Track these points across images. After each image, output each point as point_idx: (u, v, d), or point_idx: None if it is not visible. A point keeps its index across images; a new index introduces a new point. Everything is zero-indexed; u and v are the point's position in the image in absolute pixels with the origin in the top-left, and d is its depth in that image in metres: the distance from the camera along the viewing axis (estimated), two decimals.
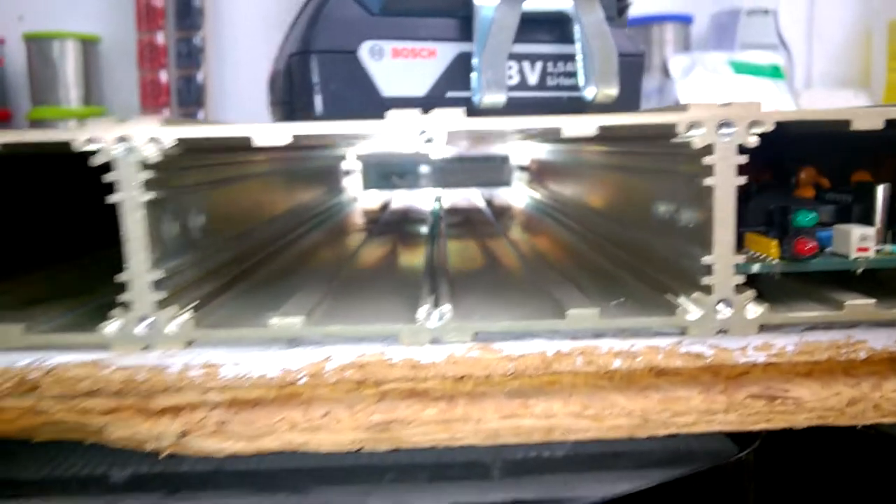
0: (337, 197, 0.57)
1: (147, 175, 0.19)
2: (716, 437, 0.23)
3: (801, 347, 0.20)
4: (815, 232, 0.20)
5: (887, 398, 0.21)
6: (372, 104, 0.28)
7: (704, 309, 0.20)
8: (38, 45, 0.84)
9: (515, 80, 0.30)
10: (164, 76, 0.85)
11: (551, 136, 0.28)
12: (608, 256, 0.30)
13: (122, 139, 0.19)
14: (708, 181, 0.19)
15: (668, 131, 0.20)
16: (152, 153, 0.19)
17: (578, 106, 0.30)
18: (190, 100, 0.85)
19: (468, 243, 0.38)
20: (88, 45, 0.87)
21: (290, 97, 0.29)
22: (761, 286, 0.21)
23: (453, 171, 0.64)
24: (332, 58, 0.28)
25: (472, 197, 0.63)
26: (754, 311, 0.20)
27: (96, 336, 0.20)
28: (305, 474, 0.23)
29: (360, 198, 0.64)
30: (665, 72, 0.96)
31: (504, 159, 0.65)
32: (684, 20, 1.00)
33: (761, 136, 0.19)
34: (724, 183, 0.19)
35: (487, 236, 0.40)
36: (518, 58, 0.29)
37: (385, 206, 0.58)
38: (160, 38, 0.85)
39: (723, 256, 0.20)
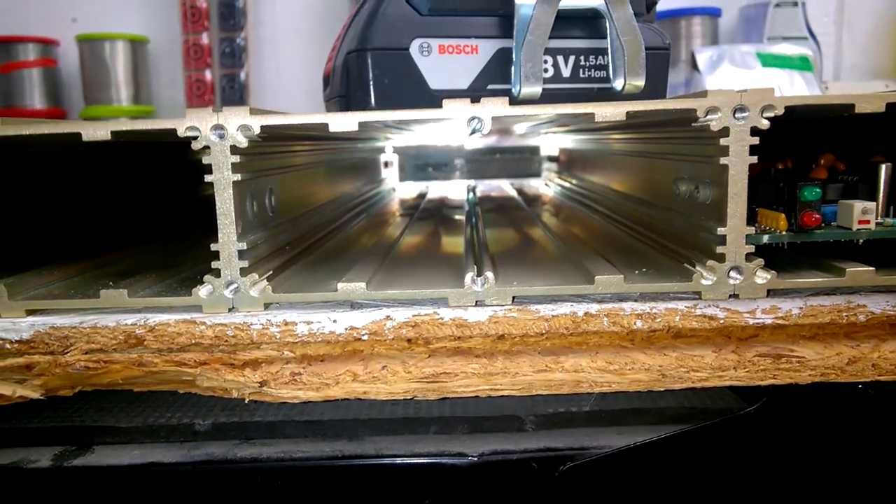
0: (377, 187, 0.60)
1: (236, 159, 0.23)
2: (726, 396, 0.26)
3: (805, 311, 0.23)
4: (820, 206, 0.23)
5: (885, 357, 0.23)
6: (421, 96, 0.31)
7: (718, 275, 0.23)
8: (91, 47, 0.89)
9: (550, 73, 0.32)
10: (208, 75, 0.89)
11: (584, 122, 0.31)
12: (633, 234, 0.33)
13: (217, 127, 0.22)
14: (724, 160, 0.22)
15: (689, 116, 0.23)
16: (241, 140, 0.22)
17: (608, 97, 0.32)
18: (233, 97, 0.89)
19: (503, 225, 0.41)
20: (137, 46, 0.91)
21: (346, 91, 0.32)
22: (772, 257, 0.24)
23: (485, 163, 0.67)
24: (386, 54, 0.30)
25: (503, 187, 0.66)
26: (763, 277, 0.23)
27: (191, 299, 0.23)
28: (361, 424, 0.26)
29: (398, 188, 0.67)
30: (693, 65, 0.97)
31: (534, 150, 0.67)
32: (713, 13, 1.01)
33: (785, 126, 0.22)
34: (738, 161, 0.22)
35: (520, 220, 0.43)
36: (552, 52, 0.32)
37: (422, 195, 0.61)
38: (205, 39, 0.89)
39: (735, 228, 0.22)
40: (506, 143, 0.67)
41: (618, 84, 0.31)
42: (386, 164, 0.66)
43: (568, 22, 0.32)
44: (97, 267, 0.29)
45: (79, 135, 0.22)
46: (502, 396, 0.23)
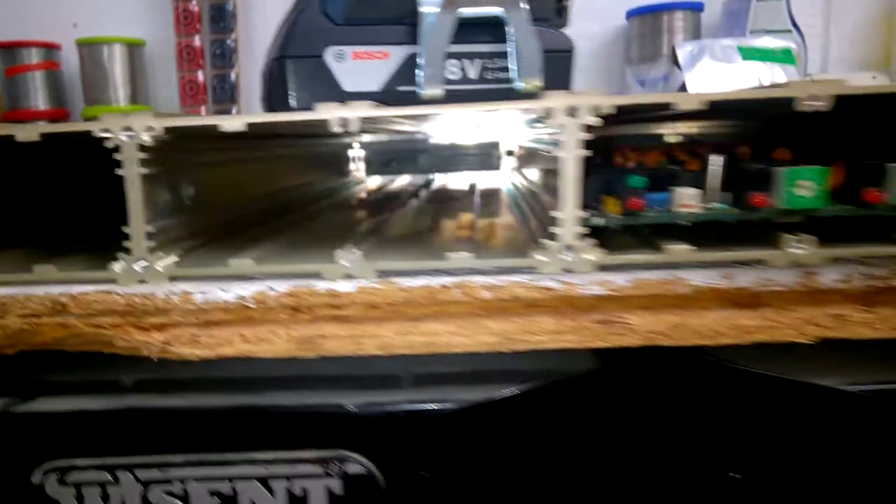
0: (342, 179, 0.64)
1: (143, 155, 0.27)
2: (571, 360, 0.29)
3: (634, 283, 0.27)
4: (644, 193, 0.26)
5: (705, 324, 0.27)
6: (336, 98, 0.35)
7: (551, 253, 0.26)
8: (90, 50, 0.94)
9: (458, 75, 0.36)
10: (200, 76, 0.93)
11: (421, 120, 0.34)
12: (526, 221, 0.37)
13: (126, 128, 0.26)
14: (558, 153, 0.26)
15: (540, 116, 0.26)
16: (147, 139, 0.26)
17: (513, 95, 0.36)
18: (224, 97, 0.94)
19: (424, 214, 0.44)
20: (134, 49, 0.96)
21: (269, 94, 0.36)
22: (616, 240, 0.27)
23: (447, 158, 0.71)
24: (303, 61, 0.34)
25: (461, 180, 0.70)
26: (593, 254, 0.26)
27: (107, 273, 0.27)
28: (260, 381, 0.30)
29: (367, 181, 0.71)
30: (674, 59, 0.99)
31: (494, 146, 0.71)
32: (695, 8, 1.02)
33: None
34: (570, 155, 0.26)
35: (446, 210, 0.47)
36: (460, 56, 0.36)
37: (380, 188, 0.65)
38: (197, 41, 0.93)
39: (568, 212, 0.26)
40: (469, 138, 0.70)
41: (518, 84, 0.35)
42: (353, 160, 0.70)
43: (475, 28, 0.35)
44: (37, 249, 0.33)
45: (12, 136, 0.26)
46: (370, 355, 0.27)
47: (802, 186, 0.25)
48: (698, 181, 0.27)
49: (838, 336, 0.27)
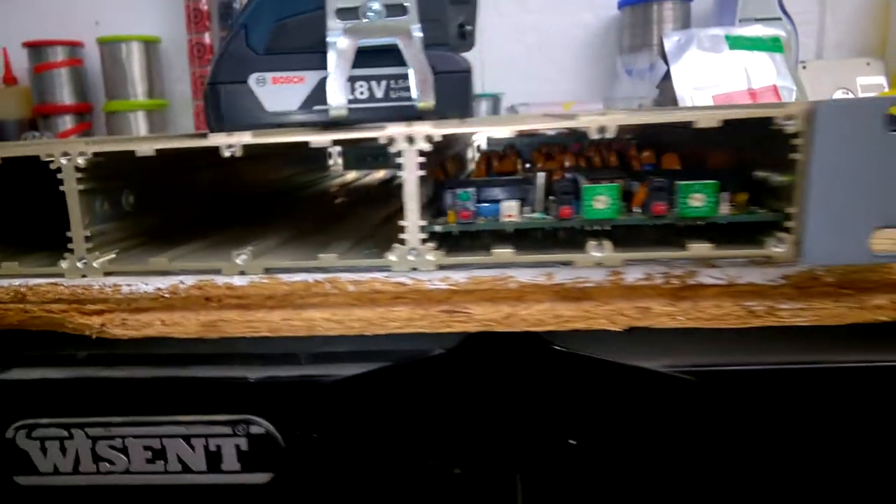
0: (321, 173, 0.71)
1: (79, 175, 0.33)
2: (427, 341, 0.35)
3: (471, 280, 0.32)
4: (471, 204, 0.32)
5: (530, 314, 0.32)
6: (261, 118, 0.41)
7: (399, 255, 0.32)
8: (109, 48, 1.01)
9: (366, 95, 0.42)
10: None
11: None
12: None
13: (64, 153, 0.33)
14: (400, 173, 0.32)
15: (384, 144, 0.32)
16: (80, 162, 0.33)
17: (414, 114, 0.42)
18: None
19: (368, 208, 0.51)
20: (150, 46, 1.03)
21: (207, 114, 0.42)
22: (462, 244, 0.33)
23: None
24: (231, 87, 0.41)
25: None
26: (434, 255, 0.32)
27: (56, 269, 0.34)
28: (186, 357, 0.36)
29: (345, 174, 0.77)
30: (662, 50, 1.02)
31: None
32: None
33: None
34: (410, 175, 0.31)
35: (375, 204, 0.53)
36: (368, 78, 0.41)
37: (351, 182, 0.71)
38: (207, 38, 1.00)
39: (411, 221, 0.32)
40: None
41: (416, 103, 0.41)
42: (330, 155, 0.76)
43: (380, 54, 0.41)
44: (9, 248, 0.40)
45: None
46: (263, 336, 0.34)
47: (598, 200, 0.30)
48: (526, 193, 0.33)
49: (644, 325, 0.32)
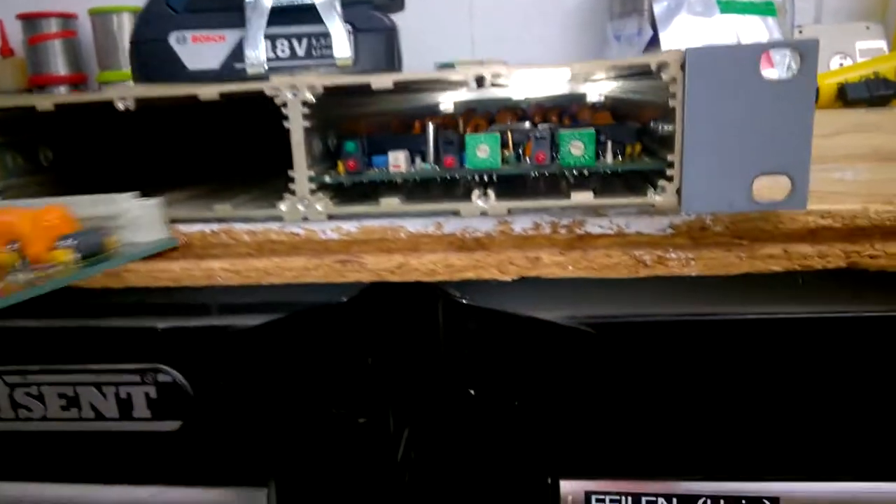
0: None
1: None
2: (326, 292, 0.35)
3: (361, 230, 0.33)
4: (360, 155, 0.32)
5: (422, 263, 0.32)
6: (181, 75, 0.42)
7: (289, 205, 0.32)
8: (101, 19, 1.02)
9: (287, 53, 0.42)
10: None
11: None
12: None
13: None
14: (286, 124, 0.32)
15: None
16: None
17: (336, 72, 0.42)
18: None
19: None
20: None
21: (132, 71, 0.43)
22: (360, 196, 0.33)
23: None
24: (151, 44, 0.41)
25: None
26: (323, 206, 0.32)
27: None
28: (98, 308, 0.37)
29: None
30: (651, 14, 1.01)
31: None
32: None
33: None
34: (296, 125, 0.32)
35: None
36: (289, 36, 0.42)
37: None
38: None
39: (300, 171, 0.32)
40: None
41: (338, 61, 0.41)
42: None
43: (303, 11, 0.41)
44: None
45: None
46: (169, 287, 0.34)
47: (480, 149, 0.30)
48: (418, 145, 0.33)
49: (535, 275, 0.32)
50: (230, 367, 0.36)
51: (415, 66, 1.12)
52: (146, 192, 0.34)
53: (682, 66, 0.27)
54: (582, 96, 0.64)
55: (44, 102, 0.33)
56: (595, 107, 0.59)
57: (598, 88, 0.58)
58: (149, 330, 0.36)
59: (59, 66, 1.06)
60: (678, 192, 0.29)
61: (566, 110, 0.56)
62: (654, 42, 0.97)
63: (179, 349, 0.36)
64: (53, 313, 0.37)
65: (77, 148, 0.41)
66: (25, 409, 0.37)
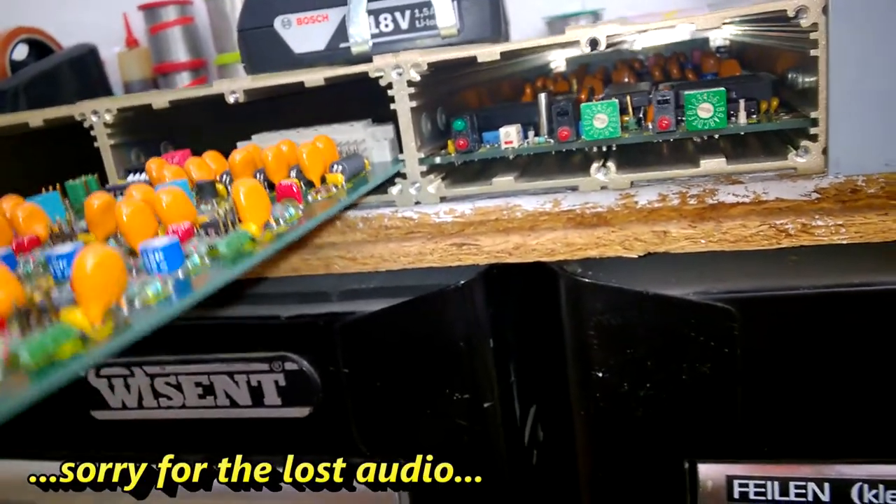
0: None
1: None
2: (443, 274, 0.34)
3: (475, 211, 0.31)
4: (469, 133, 0.30)
5: (540, 243, 0.31)
6: (289, 60, 0.41)
7: (403, 188, 0.32)
8: (214, 3, 1.05)
9: (391, 27, 0.41)
10: None
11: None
12: None
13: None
14: (393, 106, 0.31)
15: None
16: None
17: (441, 42, 0.40)
18: None
19: None
20: None
21: (243, 59, 0.43)
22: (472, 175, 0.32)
23: None
24: (258, 32, 0.41)
25: None
26: (435, 188, 0.31)
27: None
28: (228, 298, 0.38)
29: None
30: None
31: None
32: None
33: None
34: (403, 106, 0.31)
35: None
36: (391, 10, 0.41)
37: None
38: None
39: (410, 155, 0.31)
40: None
41: (442, 31, 0.39)
42: None
43: None
44: None
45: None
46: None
47: (598, 119, 0.28)
48: (529, 118, 0.31)
49: (663, 250, 0.30)
50: (353, 353, 0.36)
51: (522, 21, 1.09)
52: None
53: (825, 10, 0.24)
54: (705, 41, 0.59)
55: (159, 100, 0.34)
56: (720, 52, 0.55)
57: (724, 32, 0.54)
58: (273, 319, 0.36)
59: (180, 53, 1.09)
60: (824, 152, 0.26)
61: (688, 59, 0.53)
62: None
63: (303, 337, 0.36)
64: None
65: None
66: (166, 397, 0.39)
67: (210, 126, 0.42)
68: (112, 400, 0.39)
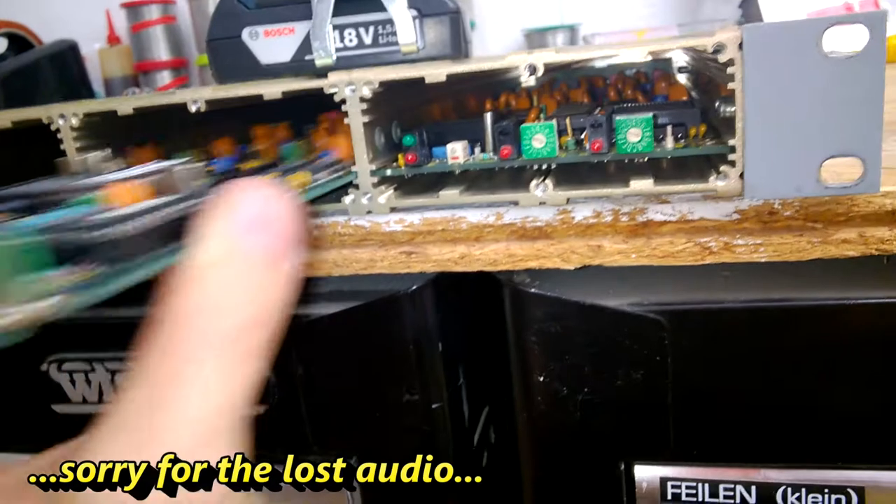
0: None
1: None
2: (394, 281, 0.36)
3: (423, 221, 0.33)
4: (419, 148, 0.32)
5: (484, 253, 0.33)
6: (256, 71, 0.43)
7: (355, 198, 0.33)
8: (197, 3, 1.06)
9: (354, 42, 0.42)
10: None
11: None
12: None
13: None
14: (346, 120, 0.32)
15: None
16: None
17: (402, 59, 0.42)
18: None
19: None
20: None
21: (212, 67, 0.44)
22: (422, 187, 0.33)
23: None
24: (226, 42, 0.43)
25: None
26: (386, 198, 0.33)
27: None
28: None
29: None
30: None
31: None
32: None
33: None
34: (355, 121, 0.32)
35: None
36: (356, 25, 0.42)
37: None
38: None
39: (362, 166, 0.33)
40: None
41: (402, 48, 0.41)
42: None
43: (366, 0, 0.41)
44: None
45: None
46: None
47: (536, 139, 0.30)
48: (476, 135, 0.33)
49: (598, 263, 0.32)
50: (307, 354, 0.37)
51: (502, 33, 1.11)
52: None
53: (741, 46, 0.26)
54: (668, 62, 0.61)
55: (124, 107, 0.35)
56: (681, 72, 0.57)
57: (683, 55, 0.56)
58: None
59: (162, 52, 1.10)
60: (741, 176, 0.28)
61: (649, 79, 0.55)
62: None
63: None
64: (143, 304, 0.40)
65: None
66: None
67: (175, 130, 0.43)
68: (72, 394, 0.41)
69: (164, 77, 1.11)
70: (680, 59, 0.60)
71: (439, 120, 0.39)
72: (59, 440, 0.42)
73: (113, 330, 0.40)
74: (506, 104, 0.52)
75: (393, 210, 0.33)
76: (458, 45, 0.43)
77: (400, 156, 0.33)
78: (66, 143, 0.36)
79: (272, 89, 0.33)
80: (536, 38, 1.03)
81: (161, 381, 0.16)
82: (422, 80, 0.32)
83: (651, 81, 0.56)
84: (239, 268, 0.17)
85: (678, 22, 0.96)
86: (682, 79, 0.53)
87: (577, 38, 1.03)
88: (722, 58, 0.26)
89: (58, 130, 0.36)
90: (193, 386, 0.16)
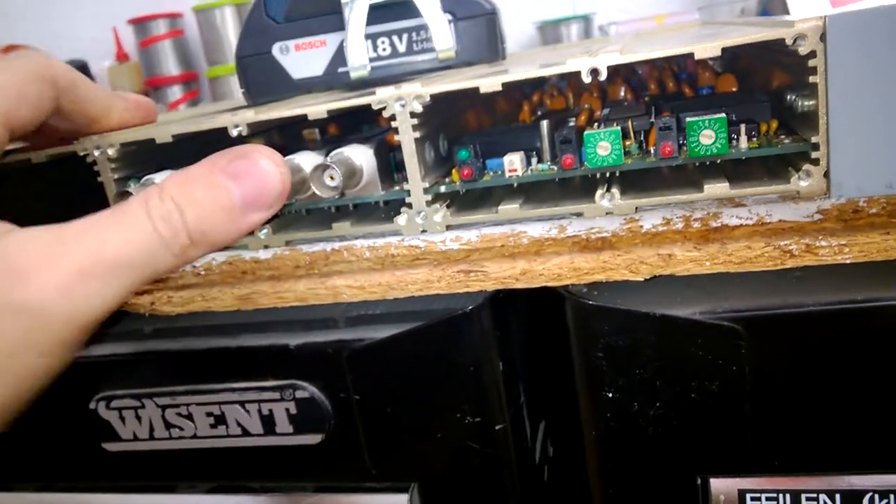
0: None
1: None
2: (451, 300, 0.35)
3: (481, 238, 0.32)
4: (474, 162, 0.31)
5: (547, 268, 0.31)
6: (289, 86, 0.41)
7: (409, 217, 0.32)
8: (205, 15, 1.05)
9: (388, 51, 0.41)
10: None
11: None
12: None
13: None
14: (397, 137, 0.31)
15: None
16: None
17: (439, 65, 0.41)
18: None
19: None
20: (243, 9, 1.06)
21: (241, 86, 0.43)
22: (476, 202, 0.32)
23: None
24: (256, 58, 0.41)
25: None
26: (441, 216, 0.31)
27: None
28: (231, 327, 0.38)
29: None
30: None
31: None
32: None
33: None
34: (406, 137, 0.31)
35: None
36: (388, 34, 0.41)
37: None
38: None
39: (415, 184, 0.31)
40: None
41: (439, 55, 0.40)
42: None
43: (401, 6, 0.40)
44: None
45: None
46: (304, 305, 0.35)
47: (600, 147, 0.28)
48: (532, 143, 0.31)
49: (669, 272, 0.30)
50: (363, 379, 0.36)
51: (512, 26, 1.09)
52: None
53: (823, 37, 0.25)
54: None
55: (162, 134, 0.34)
56: (712, 61, 0.55)
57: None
58: (282, 347, 0.36)
59: (171, 67, 1.09)
60: (826, 175, 0.26)
61: (682, 69, 0.53)
62: None
63: (313, 365, 0.36)
64: (190, 335, 0.39)
65: None
66: (178, 428, 0.39)
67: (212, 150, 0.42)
68: (123, 431, 0.40)
69: (175, 92, 1.10)
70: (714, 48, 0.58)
71: (486, 128, 0.37)
72: (110, 478, 0.41)
73: (161, 365, 0.38)
74: (539, 103, 0.51)
75: (449, 227, 0.32)
76: (495, 48, 0.42)
77: (454, 170, 0.32)
78: (103, 174, 0.34)
79: (317, 108, 0.31)
80: (550, 31, 1.01)
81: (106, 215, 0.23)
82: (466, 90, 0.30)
83: (684, 70, 0.54)
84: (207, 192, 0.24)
85: (697, 6, 0.94)
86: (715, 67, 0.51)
87: (591, 28, 1.01)
88: (803, 49, 0.25)
89: (94, 162, 0.34)
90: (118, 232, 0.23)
